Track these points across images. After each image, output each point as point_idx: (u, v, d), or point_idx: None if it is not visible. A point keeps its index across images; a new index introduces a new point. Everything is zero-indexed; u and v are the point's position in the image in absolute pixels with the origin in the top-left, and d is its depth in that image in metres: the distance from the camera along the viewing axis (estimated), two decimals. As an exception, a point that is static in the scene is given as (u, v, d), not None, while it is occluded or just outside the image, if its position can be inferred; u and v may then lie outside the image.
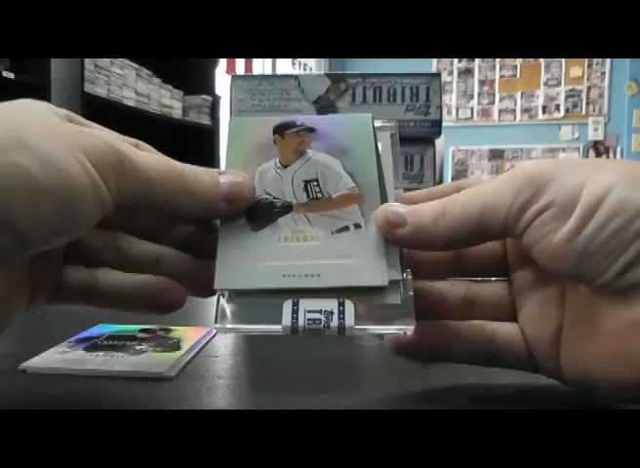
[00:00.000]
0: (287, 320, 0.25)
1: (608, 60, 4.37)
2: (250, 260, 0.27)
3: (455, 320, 0.29)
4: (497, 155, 4.61)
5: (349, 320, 0.25)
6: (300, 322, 0.25)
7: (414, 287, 0.27)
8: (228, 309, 0.26)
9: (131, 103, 2.64)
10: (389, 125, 0.32)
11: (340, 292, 0.26)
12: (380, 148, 0.31)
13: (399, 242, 0.27)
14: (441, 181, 0.60)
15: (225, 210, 0.27)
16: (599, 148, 4.41)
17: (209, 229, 0.29)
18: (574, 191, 0.24)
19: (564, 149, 4.49)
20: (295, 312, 0.25)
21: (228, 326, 0.26)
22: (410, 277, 0.27)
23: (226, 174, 0.28)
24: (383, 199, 0.29)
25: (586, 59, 4.39)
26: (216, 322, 0.26)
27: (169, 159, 0.26)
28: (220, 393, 0.29)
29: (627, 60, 4.24)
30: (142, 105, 2.72)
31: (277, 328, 0.25)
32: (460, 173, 4.65)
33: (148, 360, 0.33)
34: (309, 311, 0.25)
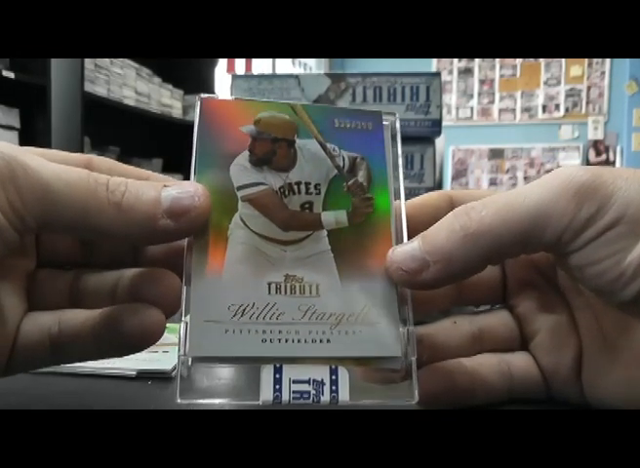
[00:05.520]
0: (267, 393, 0.21)
1: (608, 60, 4.36)
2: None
3: (464, 357, 0.27)
4: (496, 154, 4.60)
5: (343, 393, 0.21)
6: (285, 396, 0.21)
7: (416, 336, 0.24)
8: (193, 378, 0.22)
9: (131, 103, 2.64)
10: (389, 119, 0.27)
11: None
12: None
13: (426, 287, 0.23)
14: (441, 181, 0.60)
15: (171, 228, 0.22)
16: (599, 148, 4.41)
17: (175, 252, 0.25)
18: None
19: (564, 148, 4.49)
20: (277, 382, 0.21)
21: (195, 401, 0.22)
22: (413, 334, 0.23)
23: (174, 185, 0.23)
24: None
25: (586, 59, 4.39)
26: (178, 396, 0.21)
27: (88, 172, 0.22)
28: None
29: (627, 60, 4.23)
30: (143, 105, 2.72)
31: (255, 403, 0.22)
32: (460, 172, 4.64)
33: (150, 358, 0.33)
34: (295, 381, 0.21)
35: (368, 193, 0.25)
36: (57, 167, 0.21)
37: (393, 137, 0.26)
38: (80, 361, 0.26)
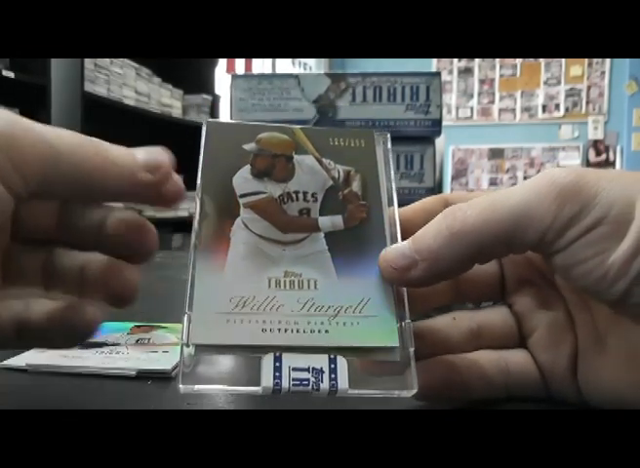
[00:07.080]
0: (268, 380, 0.22)
1: (608, 60, 4.36)
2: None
3: (463, 353, 0.27)
4: (496, 154, 4.61)
5: (342, 381, 0.22)
6: (284, 382, 0.22)
7: (415, 330, 0.24)
8: (195, 366, 0.22)
9: (131, 103, 2.64)
10: (380, 137, 0.29)
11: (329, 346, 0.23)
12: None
13: (415, 284, 0.24)
14: (441, 181, 0.60)
15: (150, 181, 0.24)
16: (599, 147, 4.41)
17: (139, 230, 0.25)
18: (625, 206, 0.21)
19: (564, 148, 4.49)
20: (277, 370, 0.22)
21: (196, 387, 0.22)
22: (410, 326, 0.24)
23: (140, 150, 0.25)
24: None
25: (586, 59, 4.39)
26: (180, 382, 0.22)
27: (85, 136, 0.24)
28: (221, 393, 0.29)
29: (627, 60, 4.24)
30: (142, 105, 2.72)
31: (256, 389, 0.22)
32: (460, 172, 4.65)
33: (150, 358, 0.33)
34: (295, 369, 0.22)
35: (362, 201, 0.27)
36: (57, 128, 0.23)
37: (385, 154, 0.28)
38: (43, 347, 0.26)
